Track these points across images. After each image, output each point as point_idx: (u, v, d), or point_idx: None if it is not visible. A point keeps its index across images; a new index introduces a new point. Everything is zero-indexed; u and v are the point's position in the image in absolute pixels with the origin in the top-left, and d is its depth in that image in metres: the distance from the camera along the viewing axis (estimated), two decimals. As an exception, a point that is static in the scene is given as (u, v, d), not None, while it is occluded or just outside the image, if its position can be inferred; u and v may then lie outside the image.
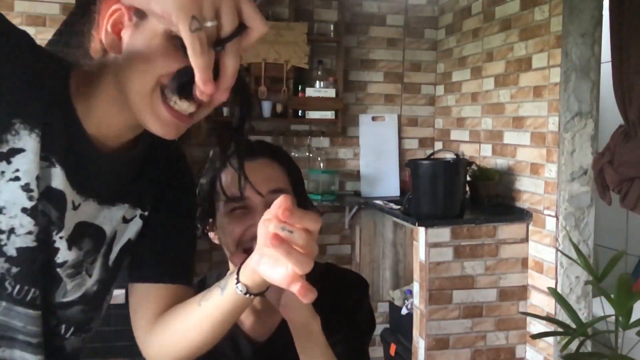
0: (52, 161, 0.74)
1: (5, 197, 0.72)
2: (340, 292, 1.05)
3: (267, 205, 0.83)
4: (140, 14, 0.69)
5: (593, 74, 2.53)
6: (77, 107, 0.74)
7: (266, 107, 3.37)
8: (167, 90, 0.68)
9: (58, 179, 0.74)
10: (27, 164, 0.71)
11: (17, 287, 0.75)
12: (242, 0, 0.58)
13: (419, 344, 2.70)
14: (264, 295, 0.82)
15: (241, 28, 0.58)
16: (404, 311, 3.10)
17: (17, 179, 0.72)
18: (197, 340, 0.80)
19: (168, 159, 0.90)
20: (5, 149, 0.70)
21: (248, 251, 0.88)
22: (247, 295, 0.75)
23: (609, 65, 2.26)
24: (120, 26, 0.71)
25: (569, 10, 2.50)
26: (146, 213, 0.87)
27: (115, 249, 0.85)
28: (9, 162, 0.71)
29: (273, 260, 0.68)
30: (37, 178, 0.72)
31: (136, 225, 0.86)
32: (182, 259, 0.89)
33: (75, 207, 0.78)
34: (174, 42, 0.66)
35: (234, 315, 0.78)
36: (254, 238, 0.82)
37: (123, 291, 2.60)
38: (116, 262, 0.86)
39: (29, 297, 0.76)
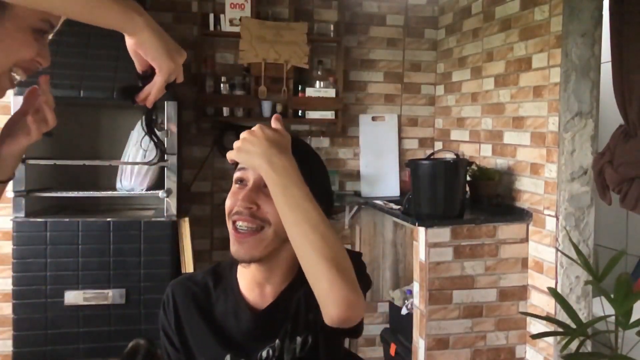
0: None
1: None
2: None
3: (256, 184, 1.05)
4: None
5: (593, 74, 2.53)
6: None
7: (266, 107, 3.37)
8: (15, 69, 0.87)
9: None
10: None
11: None
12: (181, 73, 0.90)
13: (419, 344, 2.70)
14: None
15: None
16: (404, 311, 3.10)
17: None
18: None
19: None
20: None
21: (235, 223, 1.05)
22: None
23: (609, 65, 2.26)
24: None
25: (569, 10, 2.50)
26: None
27: None
28: None
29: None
30: None
31: None
32: None
33: None
34: (35, 36, 0.85)
35: None
36: (236, 212, 1.05)
37: (123, 291, 2.61)
38: None
39: None
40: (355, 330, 1.05)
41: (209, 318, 1.12)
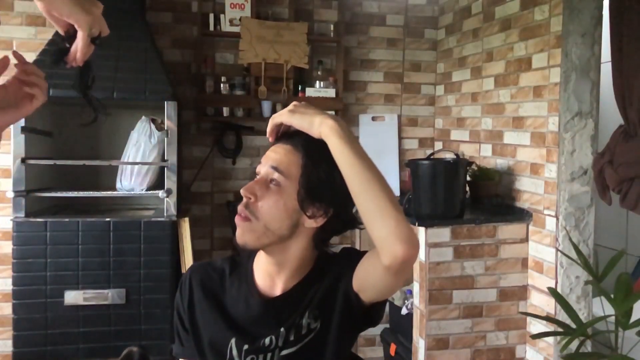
0: None
1: None
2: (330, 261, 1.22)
3: (264, 178, 1.08)
4: None
5: (593, 74, 2.53)
6: None
7: (266, 107, 3.37)
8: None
9: None
10: None
11: None
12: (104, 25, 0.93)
13: (419, 344, 2.70)
14: None
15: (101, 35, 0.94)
16: (404, 311, 3.10)
17: None
18: None
19: None
20: None
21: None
22: None
23: (609, 65, 2.26)
24: None
25: (569, 10, 2.50)
26: None
27: None
28: None
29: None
30: None
31: None
32: None
33: None
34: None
35: None
36: (241, 199, 1.09)
37: (123, 291, 2.61)
38: None
39: None
40: (376, 318, 1.13)
41: (219, 302, 1.15)
